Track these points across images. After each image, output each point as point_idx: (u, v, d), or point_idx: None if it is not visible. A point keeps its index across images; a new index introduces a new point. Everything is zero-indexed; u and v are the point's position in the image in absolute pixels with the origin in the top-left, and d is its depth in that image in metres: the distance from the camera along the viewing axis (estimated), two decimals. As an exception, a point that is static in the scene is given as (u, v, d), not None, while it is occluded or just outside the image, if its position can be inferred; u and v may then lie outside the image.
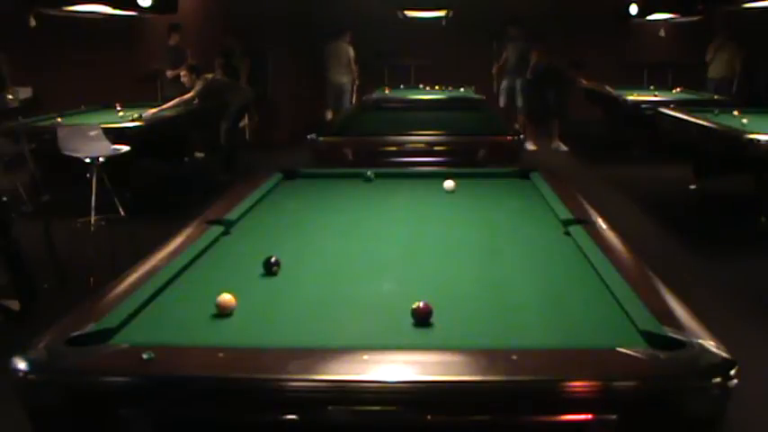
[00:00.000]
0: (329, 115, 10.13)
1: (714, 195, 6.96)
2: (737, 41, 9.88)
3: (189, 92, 7.69)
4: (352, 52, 10.49)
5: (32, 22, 6.78)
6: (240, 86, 9.02)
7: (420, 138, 5.29)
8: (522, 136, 5.44)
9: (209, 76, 8.02)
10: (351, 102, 10.37)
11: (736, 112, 6.80)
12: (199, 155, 9.06)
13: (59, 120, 6.64)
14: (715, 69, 10.05)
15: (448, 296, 2.12)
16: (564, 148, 9.77)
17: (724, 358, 1.66)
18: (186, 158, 8.63)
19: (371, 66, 10.87)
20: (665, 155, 8.05)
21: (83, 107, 7.57)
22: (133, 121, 6.64)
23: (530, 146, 9.34)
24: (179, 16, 8.49)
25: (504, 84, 10.27)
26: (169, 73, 8.87)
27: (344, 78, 10.54)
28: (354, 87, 10.66)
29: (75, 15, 7.02)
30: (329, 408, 1.60)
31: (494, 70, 10.38)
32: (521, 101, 10.02)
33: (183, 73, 7.89)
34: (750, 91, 9.71)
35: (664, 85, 10.37)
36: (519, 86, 9.97)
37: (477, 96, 9.33)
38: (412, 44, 11.63)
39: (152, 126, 6.77)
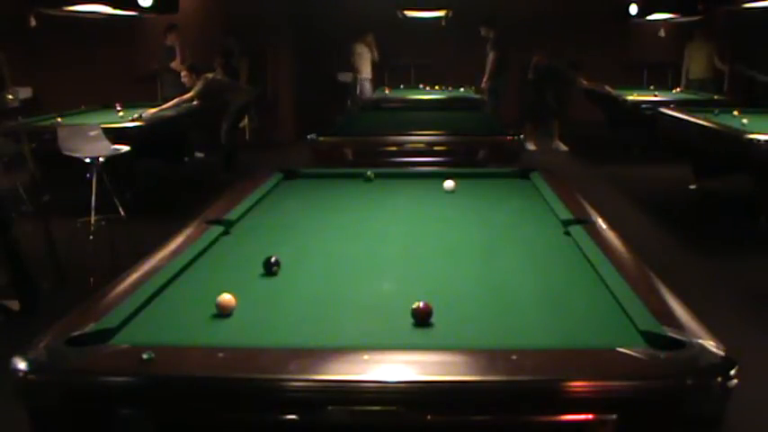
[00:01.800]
0: None
1: (714, 195, 6.96)
2: (715, 41, 9.90)
3: (189, 92, 7.70)
4: (355, 50, 10.55)
5: (32, 22, 6.79)
6: (240, 86, 9.02)
7: (420, 138, 5.29)
8: (521, 136, 5.45)
9: (210, 75, 8.02)
10: (356, 100, 10.41)
11: (736, 112, 6.81)
12: (199, 155, 9.06)
13: (59, 120, 6.65)
14: (695, 71, 10.07)
15: (448, 296, 2.12)
16: (564, 148, 9.77)
17: (724, 358, 1.66)
18: (186, 158, 8.64)
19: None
20: (665, 155, 8.05)
21: (83, 107, 7.58)
22: (133, 121, 6.65)
23: (530, 146, 9.35)
24: (179, 16, 8.49)
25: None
26: (173, 65, 8.89)
27: (349, 77, 10.66)
28: (356, 84, 10.68)
29: (75, 15, 7.02)
30: (329, 408, 1.60)
31: None
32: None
33: (183, 73, 7.89)
34: (750, 90, 9.71)
35: (664, 85, 10.38)
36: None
37: (477, 96, 9.34)
38: (412, 44, 11.63)
39: (152, 126, 6.77)
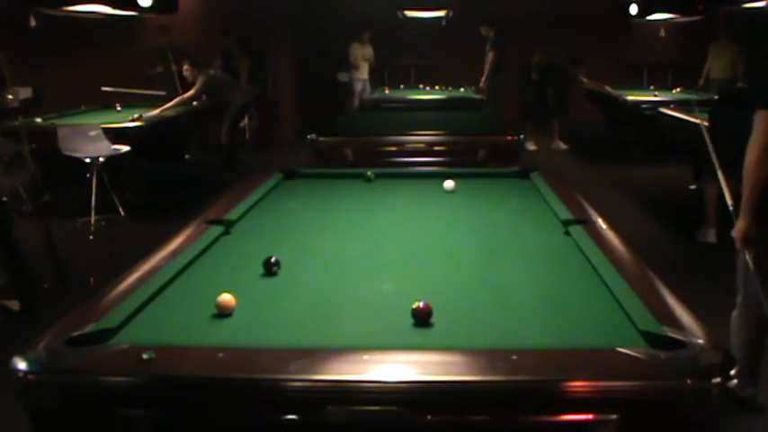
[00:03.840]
0: None
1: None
2: (739, 42, 9.87)
3: (188, 91, 7.70)
4: (353, 50, 10.56)
5: (32, 22, 6.79)
6: (240, 85, 9.03)
7: (420, 138, 5.30)
8: (522, 136, 5.45)
9: (211, 72, 8.03)
10: (354, 100, 10.41)
11: (736, 113, 6.79)
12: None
13: (59, 120, 6.65)
14: (717, 71, 10.03)
15: (448, 296, 2.12)
16: (564, 146, 9.78)
17: (724, 358, 1.66)
18: (187, 156, 8.67)
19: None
20: (665, 155, 8.05)
21: (83, 107, 7.58)
22: (133, 121, 6.65)
23: (530, 146, 9.35)
24: (179, 16, 8.49)
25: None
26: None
27: (348, 77, 10.67)
28: (354, 85, 10.68)
29: (75, 15, 7.02)
30: (329, 408, 1.60)
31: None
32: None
33: (185, 67, 7.90)
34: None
35: (664, 85, 10.37)
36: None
37: (477, 96, 9.33)
38: (412, 44, 11.63)
39: (152, 126, 6.77)
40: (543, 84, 9.58)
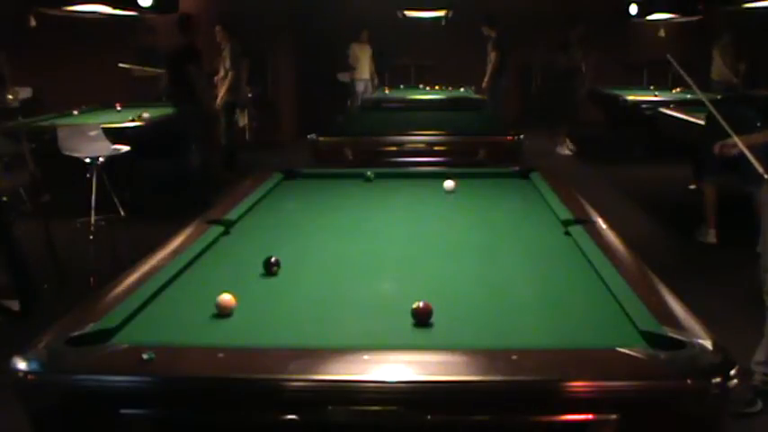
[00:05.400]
0: None
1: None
2: (742, 43, 9.86)
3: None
4: (352, 50, 10.56)
5: (32, 22, 6.79)
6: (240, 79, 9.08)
7: (420, 138, 5.30)
8: (522, 136, 5.44)
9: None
10: (354, 100, 10.42)
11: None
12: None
13: (59, 120, 6.65)
14: (718, 71, 10.01)
15: (448, 296, 2.12)
16: (569, 149, 9.79)
17: (724, 358, 1.66)
18: (191, 154, 8.67)
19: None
20: (665, 155, 8.05)
21: (83, 107, 7.59)
22: (133, 121, 6.65)
23: (563, 150, 9.39)
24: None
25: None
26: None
27: (349, 77, 10.67)
28: (356, 85, 10.69)
29: (75, 15, 7.02)
30: (329, 408, 1.60)
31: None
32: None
33: (217, 28, 8.06)
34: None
35: (664, 85, 10.37)
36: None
37: (477, 96, 9.33)
38: (412, 44, 11.64)
39: (152, 126, 6.78)
40: (568, 85, 9.57)
